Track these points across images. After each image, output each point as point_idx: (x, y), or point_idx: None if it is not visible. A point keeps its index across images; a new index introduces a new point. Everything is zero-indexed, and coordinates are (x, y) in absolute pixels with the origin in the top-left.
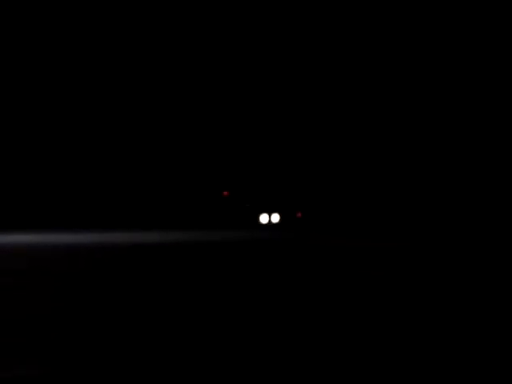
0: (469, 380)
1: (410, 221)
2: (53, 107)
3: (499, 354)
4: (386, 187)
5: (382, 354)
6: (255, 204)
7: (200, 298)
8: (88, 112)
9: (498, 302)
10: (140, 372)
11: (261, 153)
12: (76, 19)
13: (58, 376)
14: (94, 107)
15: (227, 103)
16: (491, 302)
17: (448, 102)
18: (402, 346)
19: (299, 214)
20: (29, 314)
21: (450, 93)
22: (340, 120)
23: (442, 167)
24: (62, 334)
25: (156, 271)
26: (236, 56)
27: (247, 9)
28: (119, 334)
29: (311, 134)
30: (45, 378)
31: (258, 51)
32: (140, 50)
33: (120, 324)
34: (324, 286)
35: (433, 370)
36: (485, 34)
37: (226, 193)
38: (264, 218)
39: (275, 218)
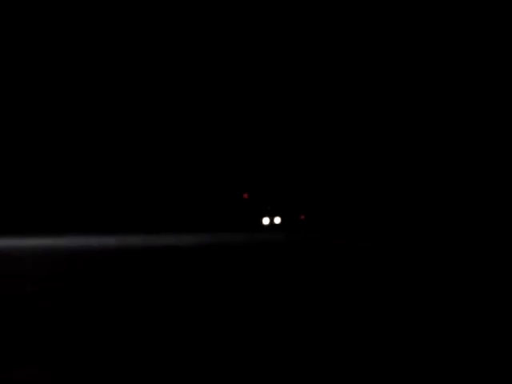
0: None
1: (413, 221)
2: (65, 114)
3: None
4: (389, 189)
5: (387, 354)
6: (258, 206)
7: (212, 301)
8: (102, 118)
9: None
10: (142, 372)
11: (263, 155)
12: (76, 19)
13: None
14: (110, 111)
15: (219, 104)
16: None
17: (449, 101)
18: (410, 346)
19: (302, 217)
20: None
21: (451, 93)
22: (344, 122)
23: (443, 167)
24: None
25: (167, 273)
26: (250, 60)
27: (247, 9)
28: (130, 336)
29: (313, 137)
30: (46, 378)
31: (268, 54)
32: (154, 51)
33: (130, 326)
34: (335, 287)
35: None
36: (485, 34)
37: (245, 195)
38: (266, 220)
39: (277, 219)
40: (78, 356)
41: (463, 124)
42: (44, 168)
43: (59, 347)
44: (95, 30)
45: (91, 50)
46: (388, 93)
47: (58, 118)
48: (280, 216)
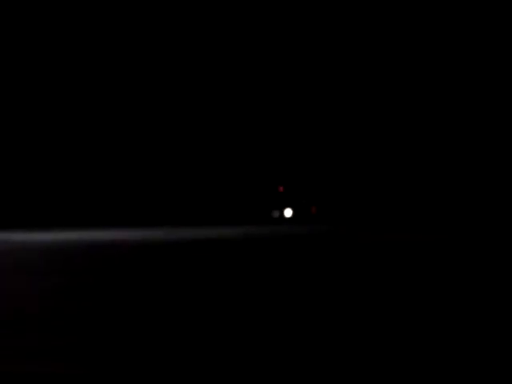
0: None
1: (427, 213)
2: (77, 110)
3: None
4: (400, 181)
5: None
6: (268, 198)
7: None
8: (126, 113)
9: None
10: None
11: (274, 147)
12: (76, 19)
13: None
14: (130, 108)
15: (223, 104)
16: None
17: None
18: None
19: (314, 209)
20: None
21: (458, 89)
22: (355, 115)
23: (454, 161)
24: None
25: (189, 266)
26: (270, 55)
27: (248, 9)
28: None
29: (325, 129)
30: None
31: (284, 50)
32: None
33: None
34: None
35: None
36: (485, 34)
37: (281, 188)
38: (276, 213)
39: (288, 212)
40: (83, 348)
41: (475, 116)
42: (59, 162)
43: (66, 341)
44: (95, 30)
45: (91, 49)
46: (399, 86)
47: (72, 114)
48: (291, 208)
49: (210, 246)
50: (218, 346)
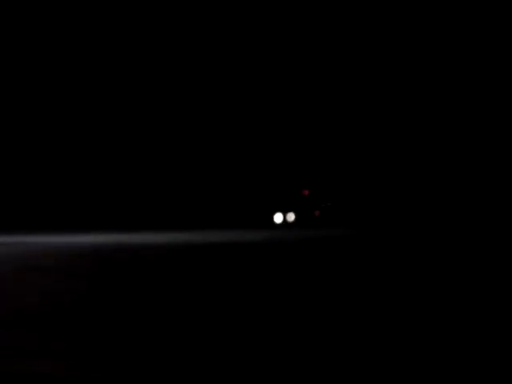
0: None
1: (438, 216)
2: (91, 115)
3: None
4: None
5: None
6: (268, 202)
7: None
8: (140, 116)
9: None
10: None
11: (277, 150)
12: (76, 19)
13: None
14: (142, 112)
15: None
16: None
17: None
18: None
19: (317, 213)
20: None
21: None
22: (361, 116)
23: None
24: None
25: (203, 270)
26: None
27: (248, 9)
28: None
29: (329, 132)
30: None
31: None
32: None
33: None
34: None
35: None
36: (485, 34)
37: (306, 191)
38: (278, 218)
39: (290, 217)
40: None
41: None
42: (84, 165)
43: (74, 341)
44: (95, 30)
45: (91, 49)
46: (410, 90)
47: (85, 119)
48: (294, 212)
49: (237, 249)
50: (236, 350)
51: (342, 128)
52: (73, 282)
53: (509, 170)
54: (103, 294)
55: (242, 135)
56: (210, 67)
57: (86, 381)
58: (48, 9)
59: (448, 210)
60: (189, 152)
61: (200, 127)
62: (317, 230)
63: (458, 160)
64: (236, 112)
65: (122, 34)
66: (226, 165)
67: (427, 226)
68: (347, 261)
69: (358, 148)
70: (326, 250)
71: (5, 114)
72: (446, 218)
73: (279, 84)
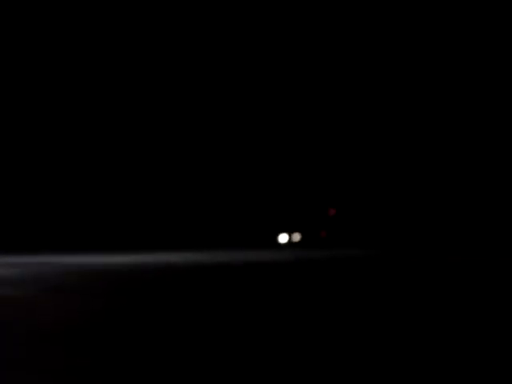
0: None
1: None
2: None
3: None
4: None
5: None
6: (274, 222)
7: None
8: (158, 128)
9: None
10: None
11: (279, 169)
12: (76, 19)
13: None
14: (163, 119)
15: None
16: None
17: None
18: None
19: (323, 233)
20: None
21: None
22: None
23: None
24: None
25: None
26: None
27: (249, 9)
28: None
29: (333, 149)
30: None
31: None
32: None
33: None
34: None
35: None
36: (485, 34)
37: (332, 211)
38: (283, 238)
39: (296, 237)
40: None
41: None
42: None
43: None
44: (95, 30)
45: (91, 49)
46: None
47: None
48: (300, 233)
49: (262, 269)
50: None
51: (349, 147)
52: (95, 301)
53: None
54: (122, 313)
55: (247, 159)
56: (219, 77)
57: None
58: (48, 9)
59: (464, 226)
60: (197, 174)
61: (209, 147)
62: (324, 250)
63: (470, 177)
64: (242, 134)
65: (122, 34)
66: (232, 185)
67: (447, 244)
68: (368, 282)
69: (366, 166)
70: (336, 271)
71: (15, 126)
72: (462, 235)
73: (281, 102)
